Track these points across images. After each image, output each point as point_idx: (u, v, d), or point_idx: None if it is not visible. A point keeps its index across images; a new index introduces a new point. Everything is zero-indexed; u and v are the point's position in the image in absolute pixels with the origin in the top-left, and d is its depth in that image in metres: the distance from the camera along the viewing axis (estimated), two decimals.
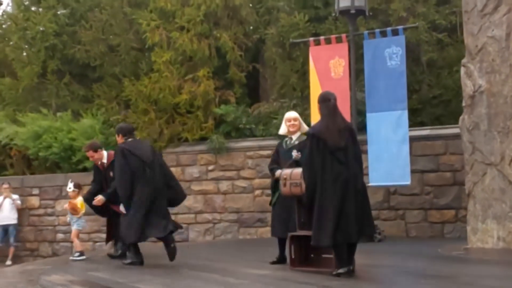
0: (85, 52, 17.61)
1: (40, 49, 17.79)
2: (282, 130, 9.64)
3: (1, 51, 19.03)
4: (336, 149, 8.18)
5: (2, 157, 18.09)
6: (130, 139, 10.39)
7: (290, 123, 9.51)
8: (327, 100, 8.56)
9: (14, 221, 16.75)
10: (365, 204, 8.37)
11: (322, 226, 8.12)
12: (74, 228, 12.41)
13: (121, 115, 16.79)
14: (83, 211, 12.29)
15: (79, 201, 12.76)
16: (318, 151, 8.22)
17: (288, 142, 9.55)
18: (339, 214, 8.06)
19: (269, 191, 11.20)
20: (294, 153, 9.09)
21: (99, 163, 11.36)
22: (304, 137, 9.15)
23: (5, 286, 9.08)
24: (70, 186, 12.27)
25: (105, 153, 11.40)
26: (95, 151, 11.37)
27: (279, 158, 9.49)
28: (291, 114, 9.71)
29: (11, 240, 16.68)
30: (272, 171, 9.43)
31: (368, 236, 8.45)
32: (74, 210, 12.30)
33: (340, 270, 8.16)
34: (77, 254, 11.61)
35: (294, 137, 9.51)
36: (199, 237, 15.43)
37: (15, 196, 16.80)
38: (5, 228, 16.65)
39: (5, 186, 16.71)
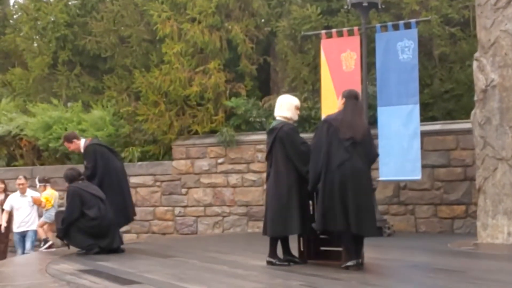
0: (96, 43, 17.61)
1: (51, 40, 17.81)
2: (291, 115, 8.92)
3: (12, 42, 19.06)
4: (344, 138, 8.15)
5: (12, 148, 18.11)
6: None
7: (297, 112, 9.07)
8: (353, 97, 8.55)
9: (34, 227, 13.65)
10: (368, 202, 8.30)
11: (325, 211, 8.14)
12: (41, 219, 12.67)
13: (132, 106, 16.79)
14: (49, 204, 12.55)
15: (45, 195, 13.04)
16: (327, 137, 8.22)
17: None
18: (340, 200, 8.05)
19: None
20: None
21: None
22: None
23: (14, 274, 9.09)
24: (37, 182, 12.59)
25: (82, 141, 11.40)
26: (70, 141, 11.45)
27: None
28: (298, 101, 9.19)
29: (28, 245, 13.67)
30: None
31: (369, 235, 8.34)
32: (38, 204, 12.65)
33: (349, 263, 8.15)
34: (42, 244, 11.71)
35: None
36: (208, 230, 15.42)
37: (34, 193, 13.83)
38: (23, 234, 13.73)
39: (20, 181, 13.81)
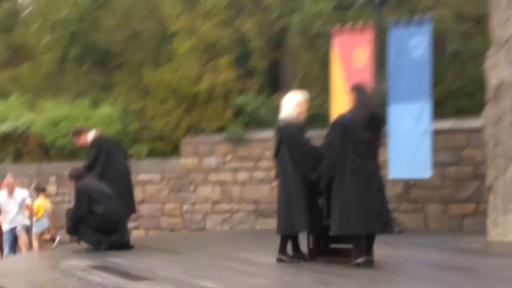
0: (106, 39, 17.54)
1: (62, 35, 17.75)
2: (296, 113, 8.75)
3: (22, 37, 19.04)
4: (359, 142, 8.08)
5: (19, 145, 18.08)
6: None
7: (305, 107, 8.82)
8: (361, 90, 8.45)
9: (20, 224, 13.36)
10: (383, 199, 8.27)
11: (345, 215, 8.08)
12: (33, 230, 12.67)
13: (140, 103, 16.75)
14: (40, 213, 12.56)
15: (37, 204, 13.03)
16: (341, 141, 8.12)
17: None
18: (362, 205, 8.01)
19: None
20: None
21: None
22: None
23: (25, 270, 9.10)
24: (31, 190, 13.27)
25: (91, 134, 11.45)
26: (78, 136, 11.54)
27: None
28: (304, 96, 8.94)
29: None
30: None
31: (386, 230, 8.32)
32: (30, 211, 12.69)
33: (359, 260, 8.12)
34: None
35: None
36: (217, 227, 15.39)
37: (22, 192, 13.50)
38: (14, 232, 13.33)
39: (9, 180, 13.32)
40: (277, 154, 8.71)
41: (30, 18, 19.02)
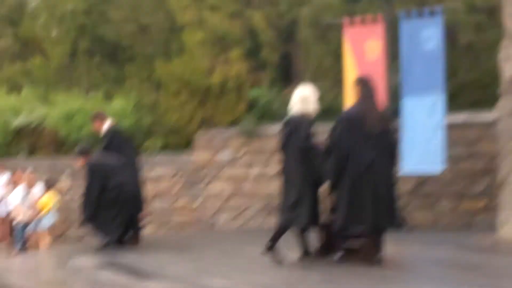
0: (115, 32, 17.52)
1: (70, 28, 17.75)
2: (311, 109, 8.75)
3: (30, 30, 19.04)
4: (368, 136, 8.00)
5: (33, 139, 18.13)
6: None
7: (316, 102, 8.78)
8: (365, 83, 8.39)
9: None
10: (393, 194, 8.21)
11: (353, 213, 8.04)
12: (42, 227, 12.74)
13: (153, 96, 16.73)
14: (45, 209, 12.63)
15: (42, 200, 13.05)
16: (348, 135, 8.06)
17: None
18: (371, 201, 7.97)
19: None
20: None
21: None
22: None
23: (35, 269, 9.14)
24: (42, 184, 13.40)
25: (106, 124, 11.51)
26: (94, 120, 11.63)
27: None
28: (315, 91, 8.86)
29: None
30: None
31: (395, 227, 8.25)
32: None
33: (371, 257, 8.06)
34: None
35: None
36: (228, 223, 15.34)
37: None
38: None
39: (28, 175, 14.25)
40: (284, 147, 8.62)
41: (37, 11, 19.00)
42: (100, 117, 11.65)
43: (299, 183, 8.41)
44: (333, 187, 8.31)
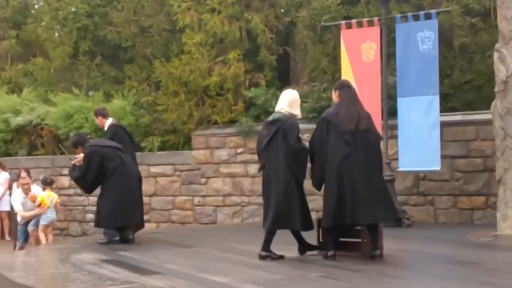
0: (116, 33, 17.68)
1: (72, 30, 17.89)
2: (299, 112, 8.91)
3: (33, 31, 19.16)
4: (344, 132, 8.24)
5: (33, 137, 18.23)
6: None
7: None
8: (345, 87, 8.67)
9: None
10: (380, 187, 8.32)
11: (327, 207, 8.31)
12: (40, 222, 12.83)
13: (152, 96, 16.84)
14: (44, 204, 12.72)
15: (41, 194, 13.13)
16: (327, 133, 8.33)
17: None
18: (342, 195, 8.15)
19: None
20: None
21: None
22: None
23: (36, 264, 9.18)
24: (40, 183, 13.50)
25: (109, 121, 11.78)
26: (97, 116, 11.94)
27: None
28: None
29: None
30: None
31: (389, 219, 8.34)
32: (33, 201, 12.87)
33: (367, 253, 8.26)
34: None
35: None
36: (227, 219, 15.46)
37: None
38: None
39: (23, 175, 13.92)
40: (268, 145, 8.61)
41: (40, 13, 19.12)
42: (102, 113, 11.93)
43: (287, 183, 8.48)
44: (319, 185, 8.55)
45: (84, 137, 11.52)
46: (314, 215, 9.33)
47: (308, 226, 8.67)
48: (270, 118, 8.79)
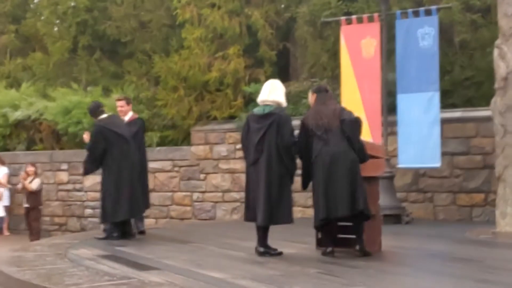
0: (115, 28, 17.64)
1: (71, 25, 17.87)
2: (285, 100, 8.89)
3: (32, 26, 19.13)
4: (317, 129, 8.36)
5: (32, 132, 18.22)
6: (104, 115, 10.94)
7: None
8: (323, 91, 8.76)
9: None
10: (355, 179, 8.26)
11: (315, 206, 8.40)
12: None
13: (151, 91, 16.82)
14: None
15: None
16: (305, 134, 8.49)
17: None
18: (324, 191, 8.21)
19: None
20: None
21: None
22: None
23: (33, 259, 9.15)
24: None
25: (131, 113, 11.65)
26: (128, 103, 11.74)
27: None
28: None
29: None
30: None
31: (359, 211, 8.25)
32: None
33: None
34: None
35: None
36: (226, 215, 15.45)
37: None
38: None
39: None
40: (261, 139, 8.53)
41: (40, 7, 19.11)
42: (127, 100, 11.82)
43: (280, 178, 8.49)
44: (304, 182, 8.65)
45: (95, 108, 11.13)
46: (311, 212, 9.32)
47: (292, 219, 8.71)
48: (260, 111, 8.67)
